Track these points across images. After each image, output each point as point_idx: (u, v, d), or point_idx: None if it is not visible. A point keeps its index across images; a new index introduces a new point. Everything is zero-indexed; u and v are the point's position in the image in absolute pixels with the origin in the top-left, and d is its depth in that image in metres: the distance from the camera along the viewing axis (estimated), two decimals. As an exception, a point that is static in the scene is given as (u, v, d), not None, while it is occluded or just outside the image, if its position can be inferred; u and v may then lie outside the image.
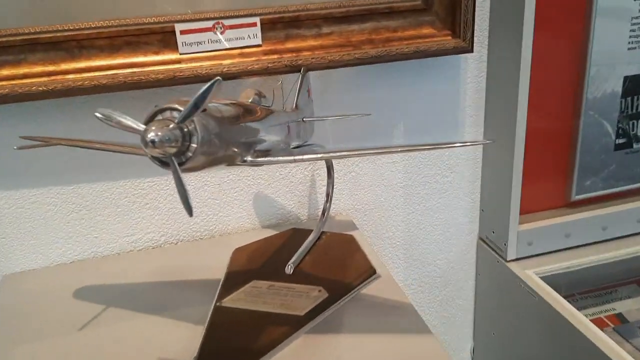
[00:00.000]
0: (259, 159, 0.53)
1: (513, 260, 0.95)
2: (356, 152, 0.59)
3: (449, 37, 0.83)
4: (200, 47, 0.76)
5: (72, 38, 0.72)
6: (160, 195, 0.86)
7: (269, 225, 0.93)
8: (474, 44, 0.86)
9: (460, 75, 0.92)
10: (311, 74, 0.84)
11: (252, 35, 0.77)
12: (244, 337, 0.66)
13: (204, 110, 0.44)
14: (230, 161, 0.50)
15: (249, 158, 0.52)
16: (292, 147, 0.70)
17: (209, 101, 0.42)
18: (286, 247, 0.82)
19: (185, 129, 0.43)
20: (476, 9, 0.84)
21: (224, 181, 0.88)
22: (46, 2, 0.71)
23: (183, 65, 0.75)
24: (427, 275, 1.04)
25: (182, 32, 0.75)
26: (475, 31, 0.86)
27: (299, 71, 0.78)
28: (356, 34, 0.81)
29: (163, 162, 0.44)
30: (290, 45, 0.79)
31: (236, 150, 0.50)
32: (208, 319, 0.68)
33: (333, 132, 0.90)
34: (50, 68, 0.72)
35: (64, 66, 0.73)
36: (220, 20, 0.75)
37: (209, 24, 0.75)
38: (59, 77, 0.72)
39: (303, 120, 0.74)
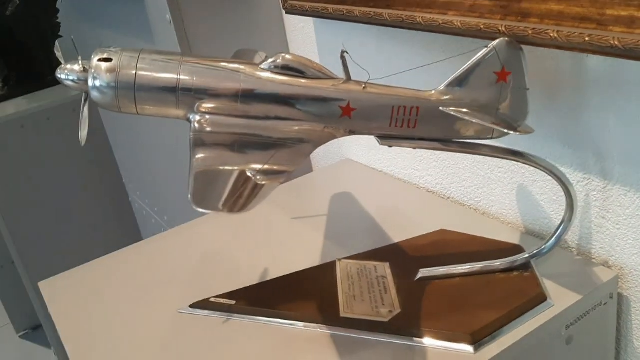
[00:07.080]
0: (200, 121, 0.52)
1: None
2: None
3: None
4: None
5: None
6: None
7: (530, 231, 0.72)
8: None
9: None
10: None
11: (491, -19, 0.58)
12: (294, 293, 0.67)
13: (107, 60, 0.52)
14: (160, 111, 0.54)
15: (193, 116, 0.52)
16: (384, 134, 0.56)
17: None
18: (476, 256, 0.65)
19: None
20: None
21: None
22: None
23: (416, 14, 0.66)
24: None
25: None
26: None
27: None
28: (617, 5, 0.47)
29: None
30: (525, 4, 0.55)
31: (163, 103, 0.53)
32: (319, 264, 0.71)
33: (624, 148, 0.58)
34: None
35: None
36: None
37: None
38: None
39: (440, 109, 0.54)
